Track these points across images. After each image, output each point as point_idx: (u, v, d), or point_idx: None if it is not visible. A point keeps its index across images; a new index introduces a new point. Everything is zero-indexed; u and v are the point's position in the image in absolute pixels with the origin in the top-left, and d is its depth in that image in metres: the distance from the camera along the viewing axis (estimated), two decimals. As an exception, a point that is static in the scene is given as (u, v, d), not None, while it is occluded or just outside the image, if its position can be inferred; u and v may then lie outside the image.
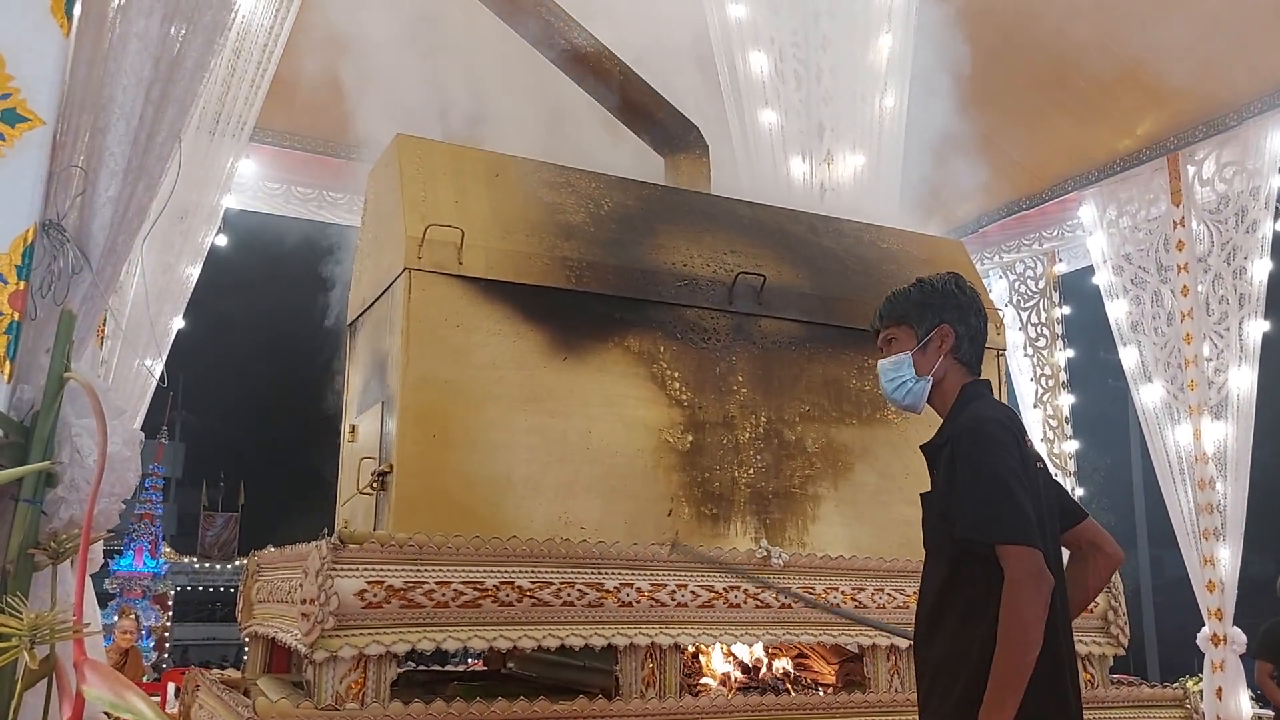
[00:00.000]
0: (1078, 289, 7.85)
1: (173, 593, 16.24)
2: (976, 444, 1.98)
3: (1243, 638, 5.95)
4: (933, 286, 2.21)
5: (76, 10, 1.58)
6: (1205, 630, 6.02)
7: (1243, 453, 5.89)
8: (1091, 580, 2.22)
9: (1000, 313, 6.96)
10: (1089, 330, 8.15)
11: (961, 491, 1.95)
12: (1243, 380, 5.89)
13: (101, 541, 3.17)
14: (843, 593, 2.90)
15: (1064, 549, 2.19)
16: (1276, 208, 5.88)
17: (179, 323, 5.61)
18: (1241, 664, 5.99)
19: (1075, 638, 3.11)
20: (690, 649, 2.98)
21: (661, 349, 3.13)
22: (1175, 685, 8.06)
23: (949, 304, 2.18)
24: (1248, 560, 6.16)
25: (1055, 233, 7.50)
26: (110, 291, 1.58)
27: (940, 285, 2.21)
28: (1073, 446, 7.61)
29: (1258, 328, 5.86)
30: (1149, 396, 6.39)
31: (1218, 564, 5.96)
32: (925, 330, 2.16)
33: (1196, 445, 6.06)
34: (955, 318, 2.17)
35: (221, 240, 5.98)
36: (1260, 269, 5.86)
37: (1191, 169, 6.28)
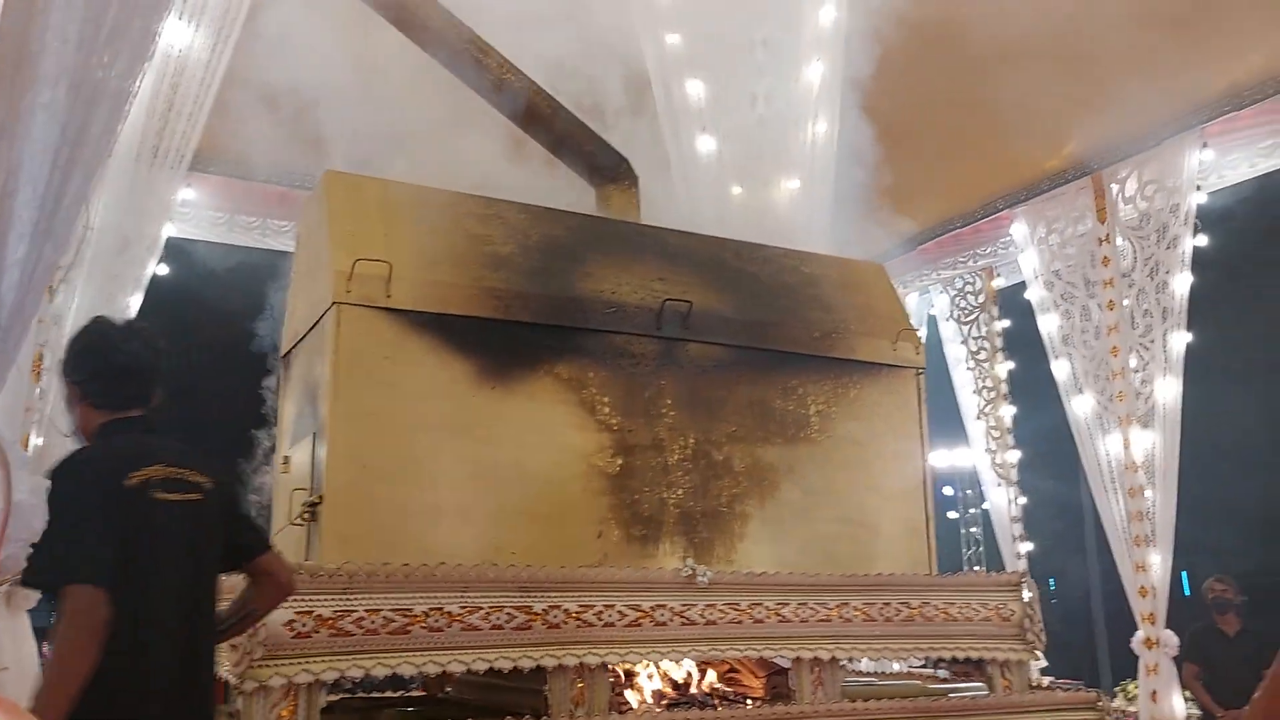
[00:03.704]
0: (1018, 302, 8.04)
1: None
2: (51, 486, 2.00)
3: (1175, 640, 6.12)
4: (70, 342, 2.21)
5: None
6: (1139, 634, 6.19)
7: (1170, 460, 6.08)
8: (258, 602, 2.33)
9: (920, 332, 7.18)
10: (1032, 342, 8.34)
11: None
12: (1168, 390, 6.08)
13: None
14: (767, 608, 2.99)
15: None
16: (1195, 224, 6.10)
17: (119, 353, 5.59)
18: (1175, 666, 6.16)
19: (993, 645, 3.24)
20: (620, 667, 3.06)
21: (590, 375, 3.22)
22: (1118, 688, 8.23)
23: (69, 358, 2.20)
24: (1178, 565, 6.36)
25: (990, 249, 7.70)
26: (19, 348, 1.63)
27: (71, 339, 2.21)
28: (1015, 456, 7.78)
29: (1180, 339, 6.07)
30: (1080, 407, 6.58)
31: (1149, 569, 6.14)
32: (66, 387, 2.19)
33: (1126, 454, 6.24)
34: (72, 369, 2.18)
35: (163, 269, 5.99)
36: (1181, 283, 6.07)
37: (1115, 187, 6.49)
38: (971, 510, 12.34)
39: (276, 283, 5.69)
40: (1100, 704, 3.28)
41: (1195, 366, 6.18)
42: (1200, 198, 6.14)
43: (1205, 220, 6.19)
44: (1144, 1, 5.64)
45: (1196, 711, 6.36)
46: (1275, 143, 5.91)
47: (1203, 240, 6.15)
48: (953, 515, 12.66)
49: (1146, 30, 5.80)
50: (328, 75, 4.54)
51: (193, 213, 6.48)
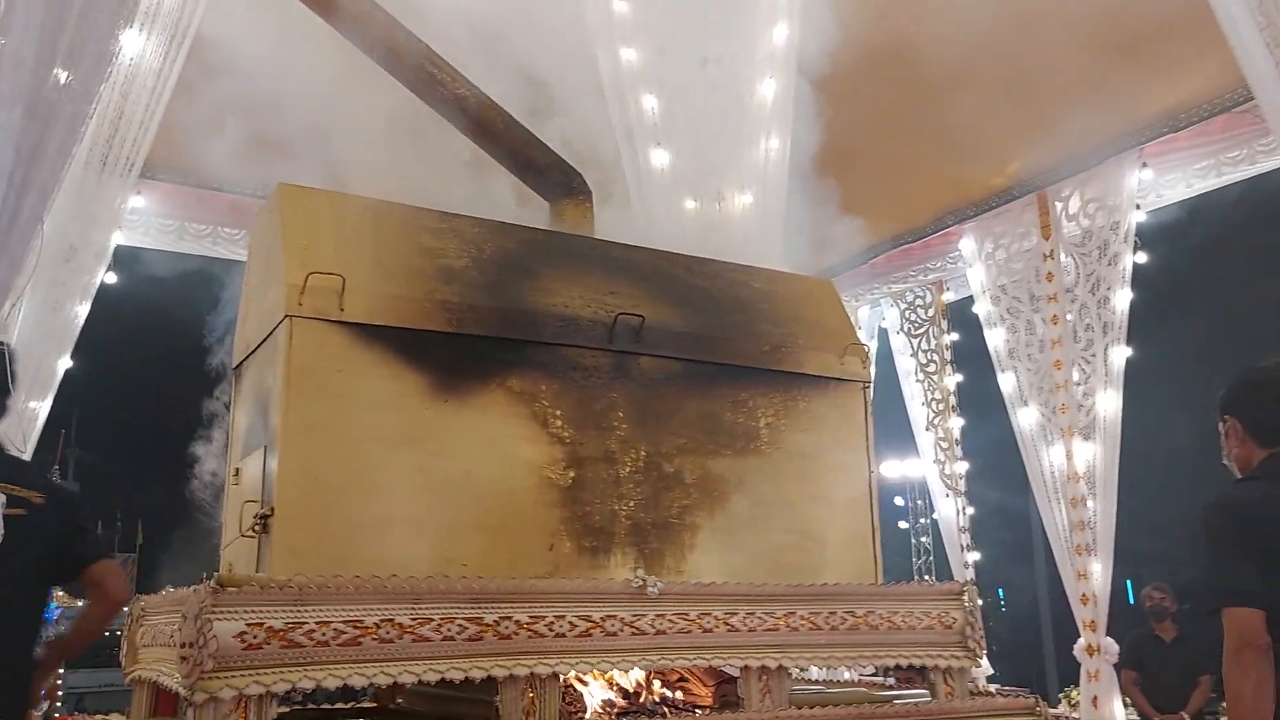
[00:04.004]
0: (967, 316, 8.19)
1: (67, 638, 15.59)
2: None
3: (1115, 647, 6.29)
4: None
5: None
6: (1081, 641, 6.35)
7: (1110, 471, 6.26)
8: (89, 613, 2.56)
9: (871, 345, 7.30)
10: (981, 355, 8.51)
11: None
12: (1108, 403, 6.26)
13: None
14: (716, 617, 3.04)
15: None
16: (1135, 241, 6.30)
17: (66, 362, 5.56)
18: (1115, 672, 6.33)
19: (936, 653, 3.31)
20: (570, 677, 3.09)
21: (543, 388, 3.25)
22: (1062, 694, 8.39)
23: None
24: (1123, 574, 6.54)
25: (939, 264, 7.87)
26: (-26, 364, 1.65)
27: None
28: (963, 468, 7.93)
29: (1121, 354, 6.26)
30: (1025, 420, 6.74)
31: (1090, 578, 6.30)
32: None
33: (1069, 465, 6.41)
34: None
35: (111, 278, 5.94)
36: (1122, 299, 6.26)
37: (1059, 205, 6.68)
38: (922, 520, 12.54)
39: (228, 291, 5.66)
40: (1039, 710, 3.37)
41: (1137, 380, 6.36)
42: (1140, 216, 6.34)
43: (1144, 238, 6.39)
44: (1086, 28, 5.82)
45: (1135, 717, 6.54)
46: (1210, 164, 6.13)
47: (1142, 258, 6.34)
48: (904, 525, 12.85)
49: (1088, 55, 5.99)
50: (282, 85, 4.54)
51: (142, 220, 6.44)
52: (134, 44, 4.64)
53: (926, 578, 11.60)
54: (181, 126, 5.36)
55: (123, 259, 6.27)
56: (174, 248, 6.71)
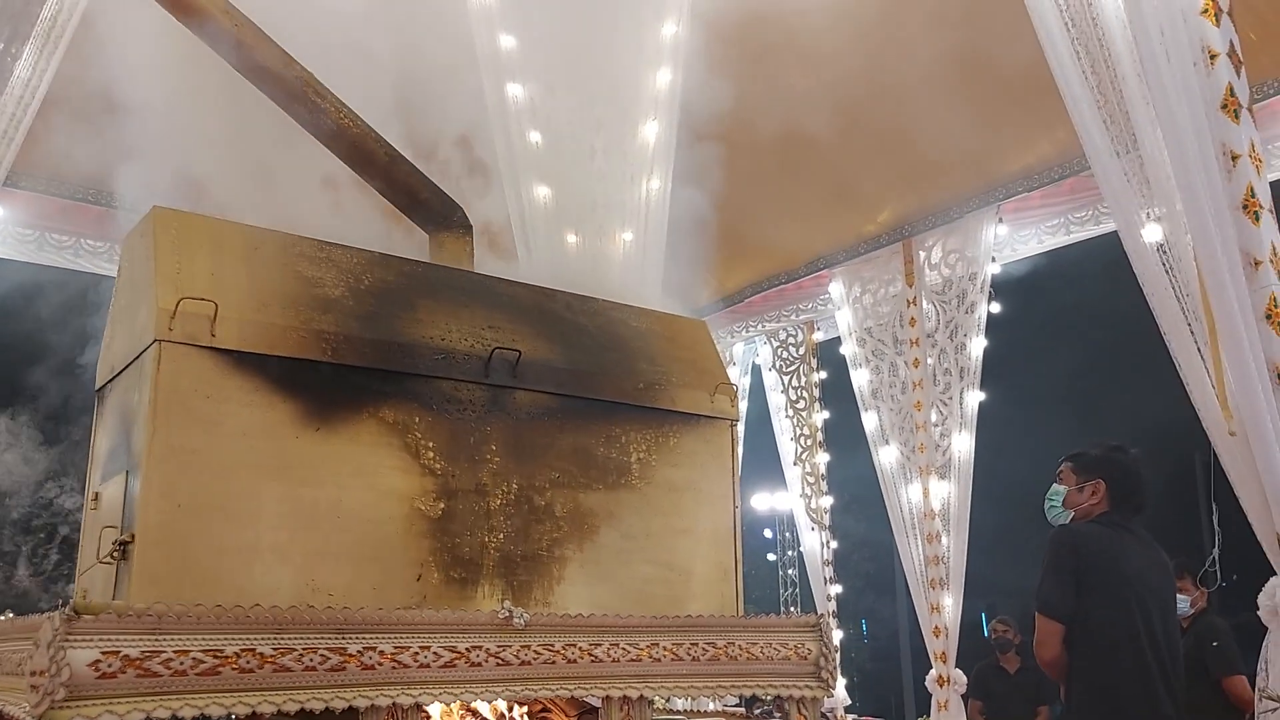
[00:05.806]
0: (836, 356, 8.51)
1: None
2: None
3: (964, 678, 6.61)
4: None
5: None
6: (932, 672, 6.65)
7: (962, 509, 6.60)
8: None
9: (744, 381, 7.54)
10: (849, 394, 8.84)
11: None
12: (963, 444, 6.61)
13: None
14: (580, 648, 3.11)
15: None
16: (990, 292, 6.70)
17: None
18: (963, 703, 6.64)
19: (791, 683, 3.46)
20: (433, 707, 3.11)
21: (416, 420, 3.28)
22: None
23: None
24: (979, 606, 6.89)
25: (811, 305, 8.18)
26: None
27: None
28: (828, 502, 8.21)
29: (975, 398, 6.62)
30: (886, 457, 7.05)
31: (943, 611, 6.61)
32: None
33: (925, 502, 6.73)
34: None
35: (-35, 288, 5.68)
36: (977, 345, 6.64)
37: (922, 254, 7.05)
38: (790, 552, 12.84)
39: (85, 307, 5.47)
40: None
41: (986, 423, 6.73)
42: (995, 268, 6.75)
43: (1000, 288, 6.81)
44: (952, 91, 6.20)
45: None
46: (1060, 222, 6.58)
47: (996, 307, 6.75)
48: (772, 557, 13.14)
49: (957, 118, 6.38)
50: (159, 99, 4.45)
51: (-2, 229, 6.18)
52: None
53: (792, 609, 11.89)
54: (49, 134, 5.20)
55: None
56: (33, 259, 6.45)
